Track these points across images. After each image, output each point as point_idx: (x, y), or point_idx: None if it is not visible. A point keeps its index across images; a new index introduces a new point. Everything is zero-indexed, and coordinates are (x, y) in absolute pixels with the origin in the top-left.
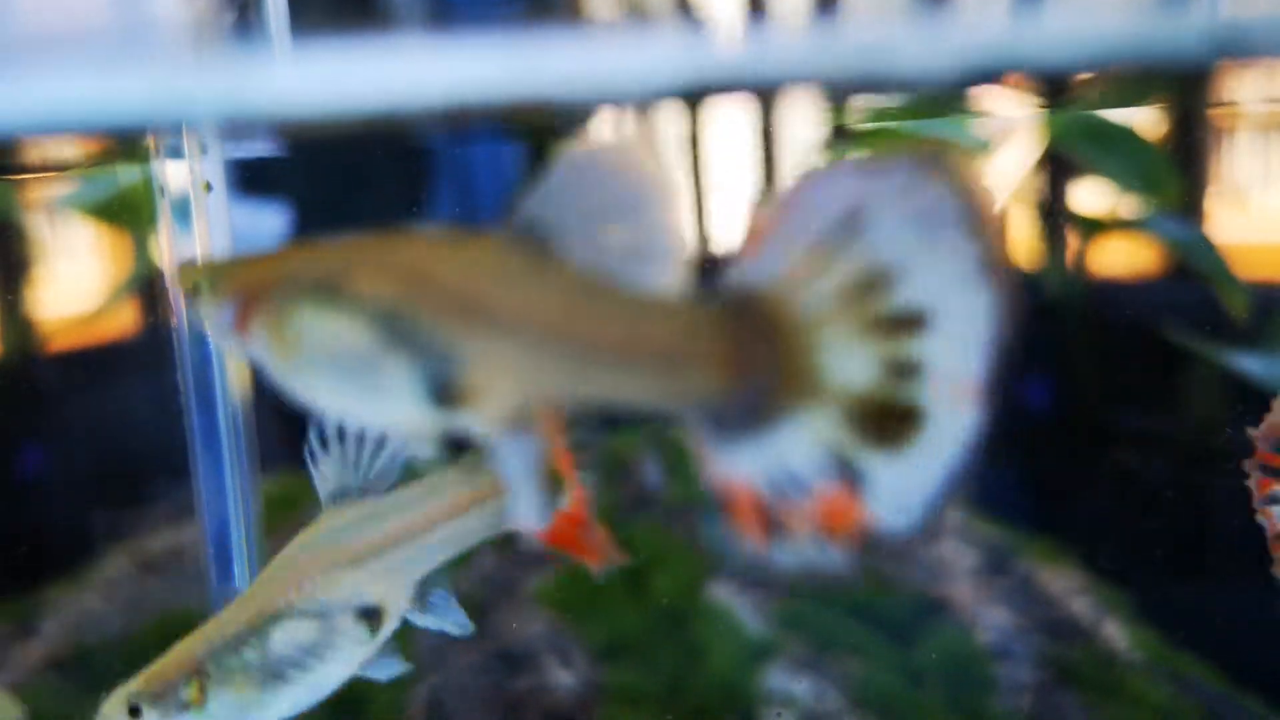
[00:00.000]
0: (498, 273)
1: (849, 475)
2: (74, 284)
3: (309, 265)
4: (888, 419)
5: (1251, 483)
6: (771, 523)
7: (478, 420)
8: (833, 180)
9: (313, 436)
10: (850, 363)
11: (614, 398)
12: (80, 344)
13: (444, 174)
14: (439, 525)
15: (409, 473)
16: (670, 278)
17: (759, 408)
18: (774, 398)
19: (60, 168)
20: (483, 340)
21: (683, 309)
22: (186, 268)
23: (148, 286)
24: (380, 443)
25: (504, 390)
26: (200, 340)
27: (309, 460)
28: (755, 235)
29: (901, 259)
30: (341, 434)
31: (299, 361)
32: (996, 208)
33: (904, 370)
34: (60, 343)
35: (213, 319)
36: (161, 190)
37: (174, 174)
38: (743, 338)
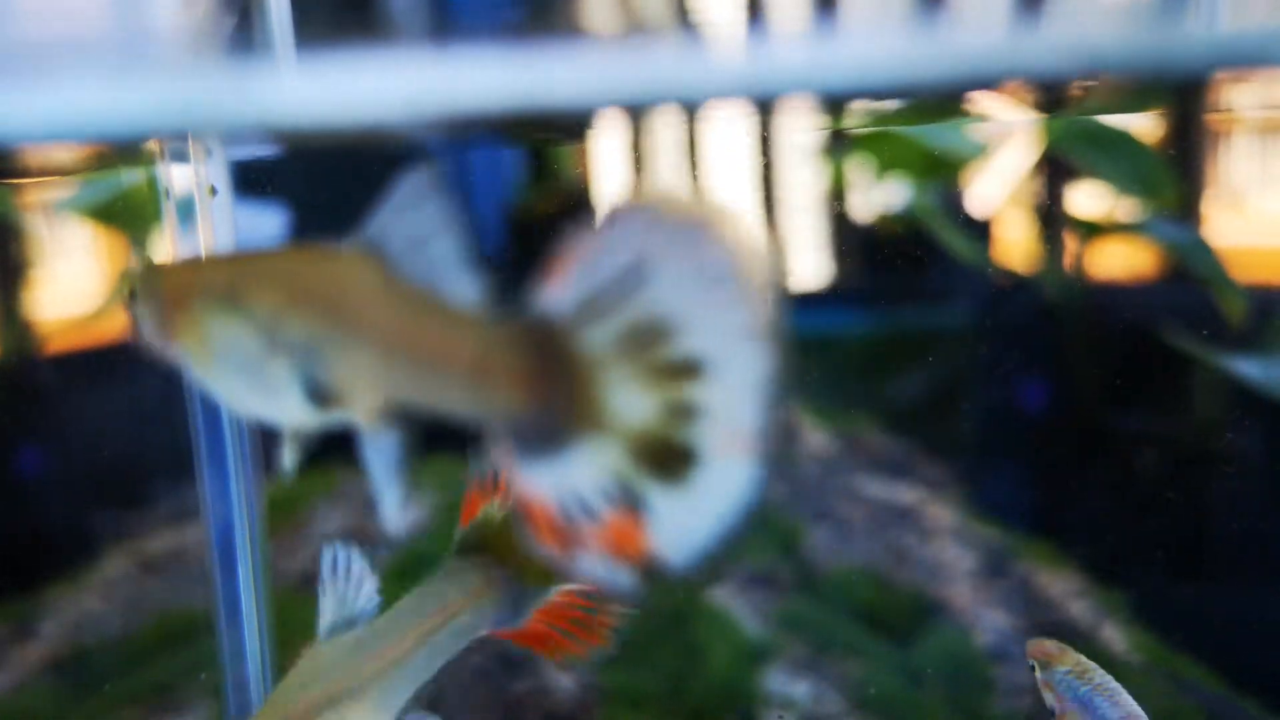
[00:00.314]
0: (353, 286)
1: (633, 503)
2: (78, 285)
3: (216, 276)
4: (666, 456)
5: None
6: (567, 538)
7: (352, 418)
8: (627, 226)
9: (325, 567)
10: (629, 401)
11: (441, 405)
12: (85, 345)
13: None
14: (419, 647)
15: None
16: (479, 296)
17: (552, 430)
18: (565, 423)
19: (63, 171)
20: (341, 346)
21: (486, 326)
22: (122, 275)
23: None
24: (361, 580)
25: (364, 391)
26: None
27: (320, 591)
28: (559, 265)
29: (680, 312)
30: (349, 567)
31: (209, 364)
32: (770, 268)
33: (680, 412)
34: (65, 343)
35: (143, 323)
36: (166, 193)
37: (178, 177)
38: (537, 361)
